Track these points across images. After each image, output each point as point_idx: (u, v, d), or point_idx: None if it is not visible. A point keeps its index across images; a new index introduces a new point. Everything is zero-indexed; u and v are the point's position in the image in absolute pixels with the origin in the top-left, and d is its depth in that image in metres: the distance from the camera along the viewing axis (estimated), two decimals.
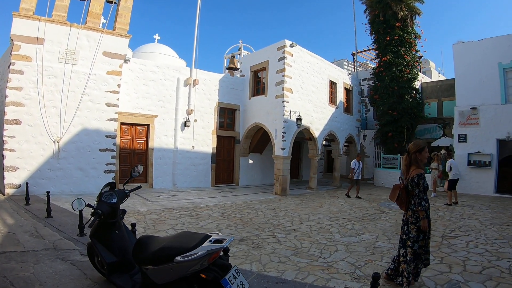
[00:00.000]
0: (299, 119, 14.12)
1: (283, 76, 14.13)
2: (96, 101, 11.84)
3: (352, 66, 21.97)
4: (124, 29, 12.34)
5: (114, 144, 12.30)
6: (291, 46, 14.33)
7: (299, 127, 14.29)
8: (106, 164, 12.10)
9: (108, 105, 12.07)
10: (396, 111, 17.04)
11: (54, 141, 11.04)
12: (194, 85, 14.64)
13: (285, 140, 14.07)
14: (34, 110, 10.67)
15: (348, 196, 13.34)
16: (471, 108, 14.64)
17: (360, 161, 13.10)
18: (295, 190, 15.41)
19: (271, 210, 10.62)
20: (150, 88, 13.65)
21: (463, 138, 14.87)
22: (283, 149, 14.07)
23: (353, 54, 23.37)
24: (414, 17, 17.64)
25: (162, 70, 14.00)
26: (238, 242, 6.77)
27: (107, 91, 12.03)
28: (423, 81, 20.13)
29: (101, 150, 11.98)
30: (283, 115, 14.00)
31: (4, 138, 10.20)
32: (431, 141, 17.58)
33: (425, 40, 23.00)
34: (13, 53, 10.40)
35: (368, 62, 20.89)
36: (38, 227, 7.20)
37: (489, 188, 13.91)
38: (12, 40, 10.47)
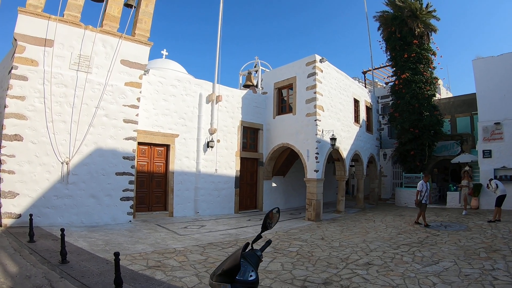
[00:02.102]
0: (333, 139, 11.79)
1: (315, 93, 11.88)
2: (113, 117, 9.14)
3: (363, 84, 20.11)
4: (145, 36, 9.85)
5: (133, 167, 9.53)
6: (320, 61, 12.20)
7: (333, 147, 11.95)
8: (123, 191, 9.28)
9: (126, 121, 9.37)
10: (417, 128, 15.16)
11: (62, 163, 8.22)
12: (217, 102, 12.14)
13: (318, 162, 11.65)
14: (39, 124, 7.89)
15: (417, 223, 10.27)
16: (495, 123, 13.37)
17: (428, 183, 10.52)
18: (324, 214, 12.88)
19: (321, 240, 8.42)
20: (170, 104, 11.05)
21: (487, 153, 13.50)
22: (316, 171, 11.62)
23: (364, 72, 21.69)
24: (430, 33, 16.07)
25: (183, 84, 11.47)
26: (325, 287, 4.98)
27: (125, 105, 9.36)
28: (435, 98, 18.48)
29: (117, 174, 9.19)
30: (316, 134, 11.64)
31: (2, 157, 7.38)
32: (449, 158, 15.78)
33: (441, 57, 21.76)
34: (16, 55, 7.71)
35: (377, 81, 19.25)
36: (53, 278, 4.62)
37: None
38: (15, 40, 7.78)
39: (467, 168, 13.23)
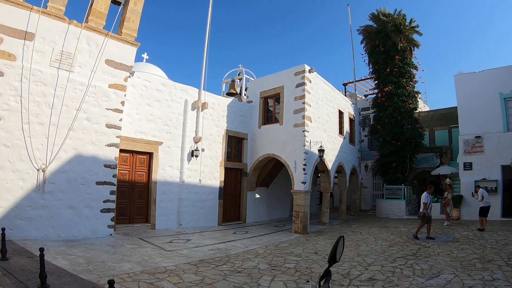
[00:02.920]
0: (321, 150, 11.64)
1: (303, 103, 11.72)
2: (94, 120, 8.41)
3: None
4: (132, 35, 9.25)
5: (114, 176, 8.78)
6: (309, 71, 12.09)
7: (321, 159, 11.76)
8: (104, 202, 8.52)
9: (108, 126, 8.66)
10: (399, 141, 15.42)
11: (38, 170, 7.40)
12: (202, 109, 11.62)
13: (306, 173, 11.41)
14: (13, 126, 7.08)
15: (416, 237, 9.76)
16: (475, 137, 13.79)
17: (431, 195, 10.40)
18: (309, 226, 12.55)
19: (315, 254, 8.09)
20: (154, 109, 10.42)
21: (468, 166, 13.90)
22: (304, 182, 11.36)
23: (344, 84, 21.96)
24: (413, 48, 16.53)
25: (169, 89, 10.89)
26: None
27: (108, 109, 8.67)
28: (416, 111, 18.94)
29: (98, 183, 8.42)
30: (304, 145, 11.43)
31: None
32: (429, 170, 16.21)
33: (423, 71, 22.45)
34: None
35: (357, 93, 19.47)
36: None
37: (496, 213, 12.67)
38: None
39: (447, 180, 13.49)
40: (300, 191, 11.42)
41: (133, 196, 10.02)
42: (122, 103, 8.97)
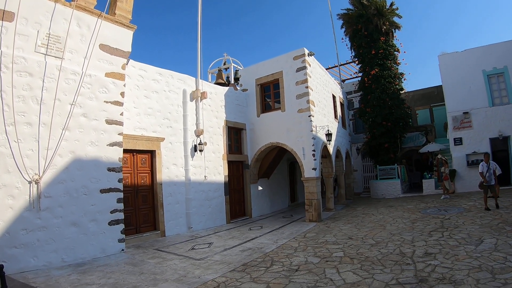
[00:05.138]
0: (329, 134, 10.73)
1: (306, 87, 10.63)
2: (92, 116, 6.65)
3: None
4: (126, 17, 7.49)
5: (120, 180, 7.07)
6: (309, 55, 11.00)
7: (329, 143, 10.78)
8: (111, 212, 6.82)
9: (109, 122, 6.92)
10: (389, 121, 14.97)
11: (30, 182, 5.58)
12: (202, 99, 10.07)
13: (315, 159, 10.36)
14: None
15: (488, 209, 8.72)
16: (463, 113, 13.76)
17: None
18: None
19: (351, 239, 7.36)
20: (153, 101, 8.74)
21: (458, 141, 13.87)
22: (314, 169, 10.33)
23: (327, 69, 21.05)
24: (394, 31, 16.03)
25: (166, 78, 9.22)
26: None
27: (107, 102, 6.92)
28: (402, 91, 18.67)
29: (102, 191, 6.71)
30: (311, 131, 10.36)
31: None
32: (415, 148, 16.02)
33: (404, 52, 22.26)
34: None
35: (341, 78, 18.84)
36: None
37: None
38: None
39: (439, 156, 13.23)
40: (312, 177, 10.37)
41: (137, 202, 8.32)
42: (122, 94, 7.23)
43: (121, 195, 7.05)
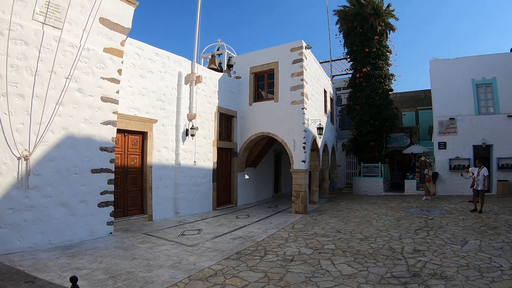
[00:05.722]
0: (321, 128, 10.75)
1: (302, 80, 10.60)
2: (88, 92, 6.31)
3: None
4: None
5: (112, 161, 6.80)
6: (306, 48, 10.92)
7: (319, 137, 10.83)
8: (101, 194, 6.58)
9: (104, 99, 6.61)
10: (377, 120, 15.18)
11: (19, 158, 5.25)
12: (196, 83, 9.80)
13: (305, 152, 10.41)
14: None
15: (481, 211, 9.11)
16: (450, 119, 14.12)
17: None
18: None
19: (339, 233, 7.47)
20: (148, 81, 8.41)
21: (443, 145, 14.24)
22: (303, 161, 10.40)
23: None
24: (389, 32, 16.15)
25: (162, 59, 8.88)
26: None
27: (103, 78, 6.59)
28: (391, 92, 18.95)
29: (93, 171, 6.43)
30: (303, 123, 10.37)
31: None
32: (399, 149, 16.45)
33: (396, 55, 22.49)
34: None
35: (332, 73, 18.84)
36: None
37: (468, 188, 12.88)
38: None
39: (423, 158, 13.64)
40: (301, 170, 10.45)
41: (126, 184, 8.06)
42: (119, 71, 6.89)
43: (112, 176, 6.79)
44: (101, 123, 6.56)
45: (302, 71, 10.62)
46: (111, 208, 6.73)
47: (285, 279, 4.52)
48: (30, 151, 5.38)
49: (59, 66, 5.73)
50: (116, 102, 6.85)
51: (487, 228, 7.28)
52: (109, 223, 6.67)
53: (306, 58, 10.95)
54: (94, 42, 6.36)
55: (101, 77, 6.51)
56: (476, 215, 8.83)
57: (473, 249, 5.70)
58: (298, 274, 4.71)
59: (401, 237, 6.87)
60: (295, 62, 10.80)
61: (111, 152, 6.78)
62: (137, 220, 8.07)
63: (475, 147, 13.71)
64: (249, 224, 8.55)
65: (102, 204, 6.56)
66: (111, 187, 6.76)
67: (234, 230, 7.81)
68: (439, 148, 14.15)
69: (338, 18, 16.85)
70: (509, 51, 14.09)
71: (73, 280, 2.78)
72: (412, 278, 4.36)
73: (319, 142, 12.23)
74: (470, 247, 5.81)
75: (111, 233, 6.69)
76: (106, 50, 6.59)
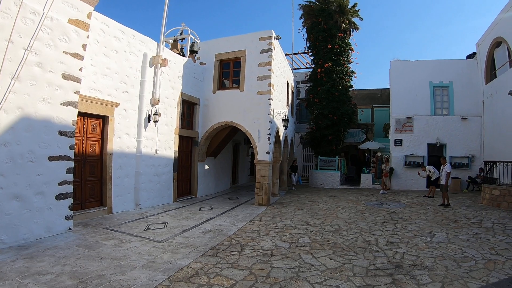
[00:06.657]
0: (286, 120, 10.87)
1: (269, 70, 10.62)
2: (48, 68, 5.59)
3: None
4: None
5: (72, 147, 6.13)
6: (275, 38, 10.92)
7: (285, 129, 10.93)
8: (59, 184, 5.93)
9: (66, 77, 5.91)
10: (336, 115, 15.75)
11: None
12: (161, 66, 9.21)
13: (270, 143, 10.48)
14: None
15: (448, 204, 9.96)
16: (407, 117, 15.17)
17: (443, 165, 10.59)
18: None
19: (310, 226, 7.59)
20: (111, 61, 7.72)
21: (399, 142, 15.23)
22: (268, 153, 10.48)
23: None
24: (352, 31, 16.77)
25: (128, 38, 8.20)
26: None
27: (66, 53, 5.89)
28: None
29: (51, 158, 5.76)
30: (269, 114, 10.42)
31: None
32: (355, 144, 17.34)
33: (357, 53, 23.16)
34: None
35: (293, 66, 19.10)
36: None
37: (421, 184, 14.54)
38: None
39: (379, 154, 14.52)
40: (265, 161, 10.52)
41: (84, 174, 7.37)
42: (84, 46, 6.19)
43: (71, 164, 6.15)
44: (61, 104, 5.85)
45: (270, 61, 10.61)
46: (70, 201, 6.10)
47: (272, 276, 4.47)
48: None
49: (18, 35, 4.96)
50: (78, 80, 6.15)
51: (448, 221, 7.92)
52: (68, 218, 6.04)
53: (274, 49, 10.95)
54: (59, 11, 5.62)
55: (63, 51, 5.78)
56: (435, 208, 9.59)
57: (443, 241, 6.17)
58: (284, 270, 4.69)
59: (371, 229, 7.23)
60: (263, 51, 10.74)
61: (71, 137, 6.10)
62: (96, 213, 7.45)
63: (429, 146, 14.93)
64: (214, 217, 8.39)
65: (60, 196, 5.90)
66: (70, 177, 6.12)
67: (201, 224, 7.59)
68: (395, 145, 15.11)
69: (303, 12, 17.10)
70: (465, 58, 15.54)
71: None
72: (396, 269, 4.66)
73: (281, 134, 12.40)
74: (439, 239, 6.28)
75: (70, 228, 6.08)
76: (71, 21, 5.86)
